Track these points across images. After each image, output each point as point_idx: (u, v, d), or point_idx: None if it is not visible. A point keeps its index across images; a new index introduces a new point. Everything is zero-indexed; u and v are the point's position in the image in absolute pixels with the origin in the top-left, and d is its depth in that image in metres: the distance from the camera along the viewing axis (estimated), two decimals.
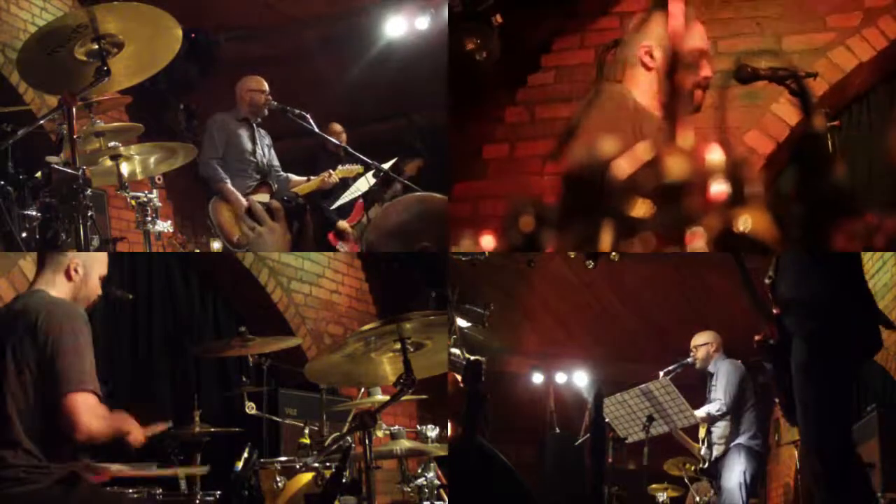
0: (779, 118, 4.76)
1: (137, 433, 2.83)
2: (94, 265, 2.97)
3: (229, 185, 5.58)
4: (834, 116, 3.51)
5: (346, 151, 5.38)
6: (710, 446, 5.48)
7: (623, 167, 1.00)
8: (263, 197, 5.54)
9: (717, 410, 5.41)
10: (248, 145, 5.74)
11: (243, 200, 5.52)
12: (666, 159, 0.99)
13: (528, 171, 5.12)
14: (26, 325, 2.66)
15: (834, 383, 3.22)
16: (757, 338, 3.40)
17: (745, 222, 0.97)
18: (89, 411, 2.59)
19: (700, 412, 5.44)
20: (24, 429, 2.60)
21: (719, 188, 0.97)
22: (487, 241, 1.14)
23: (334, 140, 5.50)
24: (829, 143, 3.28)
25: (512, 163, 5.21)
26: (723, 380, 5.49)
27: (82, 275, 2.91)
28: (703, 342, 5.68)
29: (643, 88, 2.92)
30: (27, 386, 2.62)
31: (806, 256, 3.26)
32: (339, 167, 6.00)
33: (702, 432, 5.58)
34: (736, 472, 5.40)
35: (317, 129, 5.44)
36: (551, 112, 5.18)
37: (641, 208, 0.97)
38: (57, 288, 2.86)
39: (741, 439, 5.44)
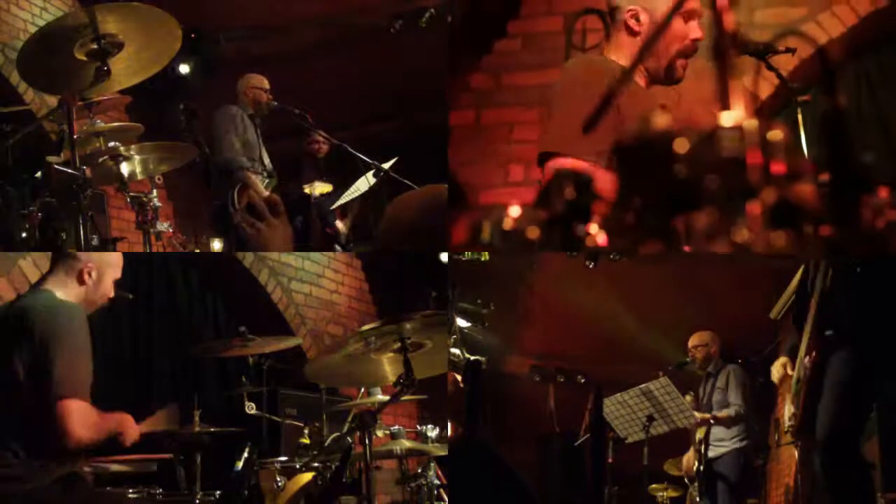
0: (749, 92, 4.72)
1: (131, 432, 2.81)
2: (107, 268, 2.93)
3: (253, 175, 5.55)
4: (803, 91, 3.50)
5: (340, 152, 5.37)
6: (707, 447, 5.49)
7: (684, 141, 1.01)
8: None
9: (737, 413, 5.43)
10: (256, 142, 5.75)
11: (265, 191, 5.50)
12: (723, 132, 1.01)
13: (495, 139, 5.08)
14: (25, 326, 2.64)
15: (869, 400, 3.28)
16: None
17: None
18: (79, 419, 2.56)
19: (723, 412, 5.45)
20: (20, 429, 2.59)
21: (778, 161, 0.99)
22: (515, 211, 1.16)
23: (334, 141, 5.49)
24: (800, 118, 3.28)
25: (478, 130, 5.16)
26: (736, 385, 5.52)
27: (95, 278, 2.87)
28: (702, 343, 5.69)
29: (626, 54, 2.84)
30: (21, 387, 2.60)
31: (863, 272, 3.27)
32: (317, 183, 5.96)
33: (700, 433, 5.59)
34: (736, 472, 5.42)
35: (316, 130, 5.44)
36: (518, 79, 5.13)
37: (707, 182, 0.99)
38: (67, 290, 2.82)
39: (740, 441, 5.46)
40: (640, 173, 1.06)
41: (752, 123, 1.02)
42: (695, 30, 2.80)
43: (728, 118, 1.03)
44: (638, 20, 2.83)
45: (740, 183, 1.00)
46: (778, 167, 1.01)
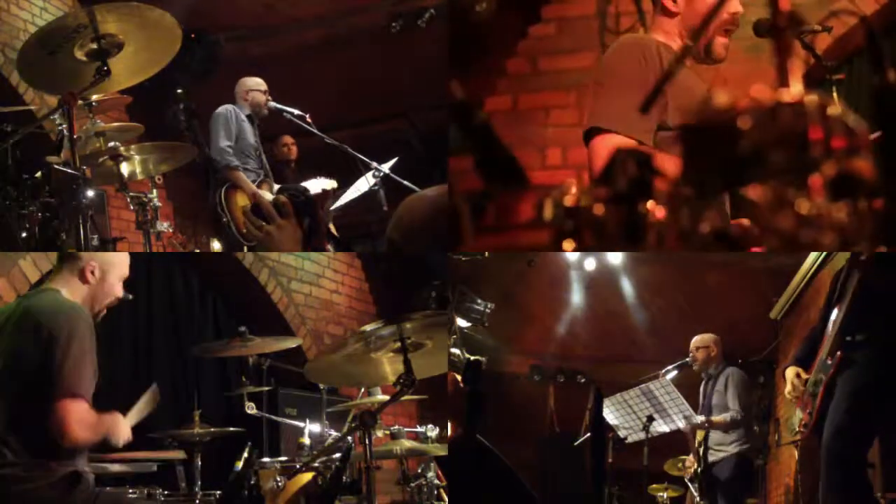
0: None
1: (124, 431, 2.81)
2: (112, 267, 2.92)
3: (242, 174, 5.57)
4: (837, 69, 3.48)
5: (344, 152, 5.37)
6: (706, 450, 5.49)
7: (746, 117, 1.05)
8: (265, 194, 5.52)
9: (733, 419, 5.43)
10: (253, 141, 5.76)
11: (254, 189, 5.53)
12: (785, 108, 1.05)
13: (532, 123, 5.10)
14: (31, 325, 2.64)
15: (881, 408, 3.29)
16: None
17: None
18: (79, 420, 2.57)
19: (719, 417, 5.45)
20: (23, 429, 2.59)
21: (838, 135, 1.03)
22: (573, 188, 1.18)
23: (330, 140, 5.48)
24: (835, 96, 3.27)
25: (515, 115, 5.19)
26: (734, 389, 5.51)
27: (99, 277, 2.86)
28: (703, 345, 5.68)
29: (665, 34, 2.84)
30: (27, 388, 2.61)
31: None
32: (322, 179, 5.97)
33: (700, 436, 5.59)
34: (735, 477, 5.42)
35: (316, 130, 5.44)
36: (554, 64, 5.17)
37: (770, 157, 1.03)
38: (71, 289, 2.82)
39: (739, 445, 5.46)
40: (704, 150, 1.08)
41: (812, 99, 1.05)
42: (734, 4, 2.80)
43: (788, 94, 1.06)
44: (674, 1, 2.83)
45: (802, 157, 1.03)
46: (838, 142, 1.04)
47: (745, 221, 2.23)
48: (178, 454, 3.66)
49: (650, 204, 1.12)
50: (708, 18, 2.53)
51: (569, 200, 1.18)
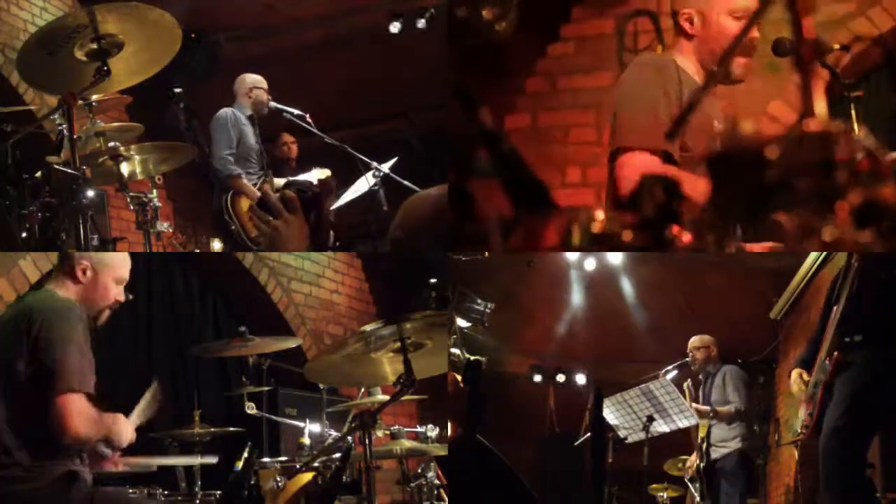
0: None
1: (127, 433, 2.80)
2: (105, 268, 2.89)
3: (244, 180, 5.56)
4: (854, 86, 3.48)
5: (344, 152, 5.37)
6: (709, 447, 5.51)
7: (774, 147, 1.06)
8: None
9: (737, 410, 5.47)
10: (254, 142, 5.74)
11: (258, 194, 5.51)
12: (812, 136, 1.05)
13: (552, 141, 5.14)
14: (24, 323, 2.63)
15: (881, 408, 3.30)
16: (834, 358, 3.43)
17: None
18: (79, 414, 2.54)
19: (724, 408, 5.49)
20: (18, 429, 2.59)
21: (863, 161, 1.04)
22: (600, 214, 1.20)
23: (330, 140, 5.47)
24: (854, 114, 3.28)
25: (535, 133, 5.23)
26: (733, 383, 5.56)
27: (91, 277, 2.84)
28: (703, 345, 5.70)
29: (683, 55, 2.84)
30: (21, 385, 2.59)
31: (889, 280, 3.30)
32: (315, 169, 5.96)
33: (702, 432, 5.60)
34: (736, 474, 5.43)
35: (316, 130, 5.43)
36: (573, 82, 5.21)
37: (797, 184, 1.03)
38: (66, 289, 2.82)
39: (741, 441, 5.48)
40: (731, 178, 1.09)
41: (837, 125, 1.05)
42: (751, 30, 2.80)
43: (814, 122, 1.06)
44: (691, 23, 2.82)
45: (829, 184, 1.03)
46: (863, 167, 1.04)
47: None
48: (210, 460, 3.66)
49: (676, 229, 1.13)
50: (734, 46, 2.53)
51: (596, 227, 1.19)
